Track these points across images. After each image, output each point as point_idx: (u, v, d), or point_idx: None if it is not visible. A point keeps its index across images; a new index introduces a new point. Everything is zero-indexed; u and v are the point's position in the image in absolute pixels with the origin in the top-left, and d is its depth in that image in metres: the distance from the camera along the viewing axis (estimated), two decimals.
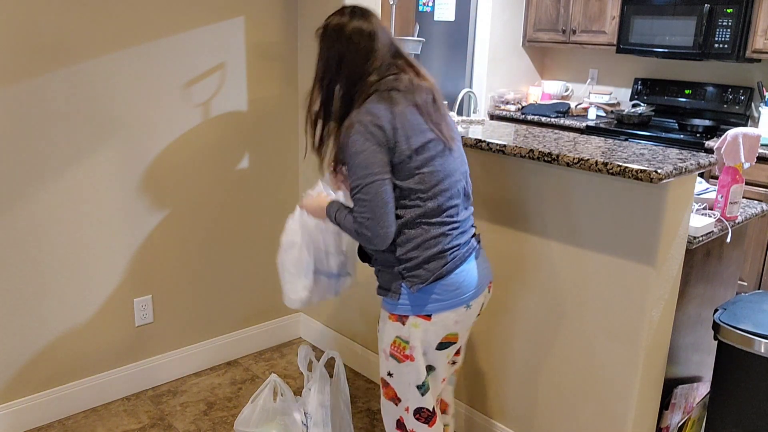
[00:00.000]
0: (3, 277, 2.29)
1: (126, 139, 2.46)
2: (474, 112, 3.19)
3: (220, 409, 2.62)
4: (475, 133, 2.19)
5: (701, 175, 2.66)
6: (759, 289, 3.56)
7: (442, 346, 1.68)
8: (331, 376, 2.23)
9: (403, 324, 1.66)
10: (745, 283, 3.59)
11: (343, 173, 1.77)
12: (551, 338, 2.10)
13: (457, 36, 4.73)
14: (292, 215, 1.94)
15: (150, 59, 2.46)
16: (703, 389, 2.25)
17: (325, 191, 1.86)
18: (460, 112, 3.20)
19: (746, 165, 2.20)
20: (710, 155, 1.90)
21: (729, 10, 3.68)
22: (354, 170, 1.56)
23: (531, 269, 2.10)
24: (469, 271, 1.66)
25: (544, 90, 4.89)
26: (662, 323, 1.92)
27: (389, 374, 1.73)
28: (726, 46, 3.73)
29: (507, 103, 4.77)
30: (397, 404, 1.74)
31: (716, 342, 1.95)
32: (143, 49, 2.43)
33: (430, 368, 1.70)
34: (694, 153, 1.90)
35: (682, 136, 3.89)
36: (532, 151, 1.91)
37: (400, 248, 1.62)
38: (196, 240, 2.75)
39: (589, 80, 4.78)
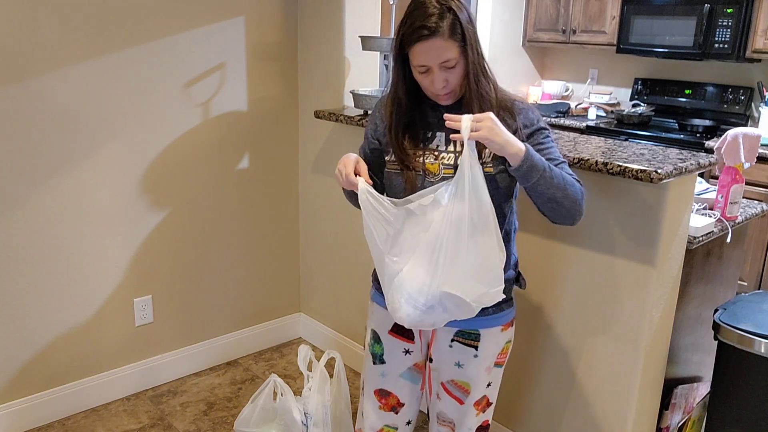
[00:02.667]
0: (3, 278, 2.29)
1: (126, 139, 2.46)
2: None
3: (220, 409, 2.62)
4: None
5: (701, 175, 2.66)
6: (759, 289, 3.56)
7: None
8: (331, 376, 2.23)
9: (512, 325, 1.68)
10: (745, 283, 3.59)
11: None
12: (551, 338, 2.10)
13: None
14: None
15: (150, 59, 2.46)
16: (703, 389, 2.24)
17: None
18: None
19: (746, 165, 2.20)
20: (710, 155, 1.90)
21: (729, 10, 3.68)
22: (555, 146, 1.55)
23: (530, 269, 2.09)
24: None
25: (544, 90, 4.89)
26: (662, 323, 1.92)
27: (488, 386, 1.66)
28: (726, 46, 3.73)
29: None
30: (486, 410, 1.70)
31: (716, 342, 1.95)
32: (143, 49, 2.43)
33: None
34: (694, 153, 1.90)
35: (682, 136, 3.89)
36: None
37: (514, 250, 1.65)
38: (196, 240, 2.75)
39: (589, 80, 4.78)
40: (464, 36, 1.42)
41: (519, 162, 1.39)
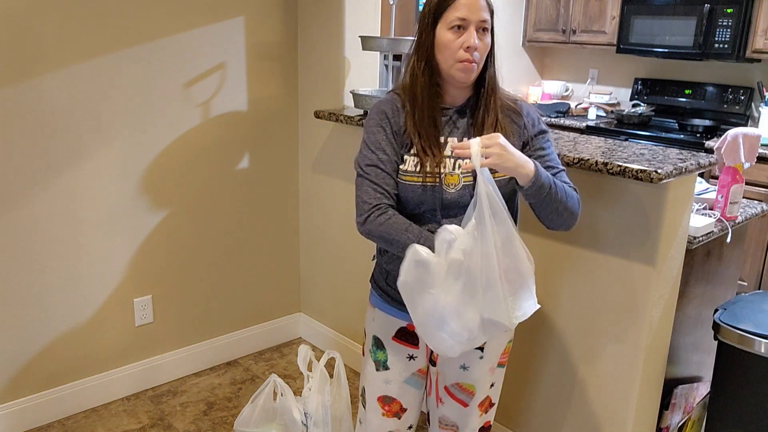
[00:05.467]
0: (3, 278, 2.29)
1: (126, 139, 2.46)
2: None
3: (220, 409, 2.62)
4: None
5: (701, 175, 2.67)
6: (759, 289, 3.56)
7: None
8: (331, 376, 2.23)
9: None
10: (745, 283, 3.59)
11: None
12: (550, 338, 2.10)
13: None
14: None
15: (150, 59, 2.46)
16: (703, 389, 2.24)
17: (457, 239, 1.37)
18: None
19: (746, 165, 2.19)
20: (710, 155, 1.90)
21: (729, 10, 3.68)
22: (555, 151, 1.57)
23: None
24: None
25: (544, 90, 4.89)
26: (662, 323, 1.92)
27: (492, 386, 1.67)
28: (726, 46, 3.73)
29: None
30: (489, 411, 1.70)
31: (716, 342, 1.95)
32: (143, 49, 2.43)
33: None
34: (694, 153, 1.90)
35: (682, 136, 3.89)
36: None
37: None
38: (196, 240, 2.75)
39: (589, 80, 4.78)
40: (492, 15, 1.47)
41: (529, 183, 1.40)
